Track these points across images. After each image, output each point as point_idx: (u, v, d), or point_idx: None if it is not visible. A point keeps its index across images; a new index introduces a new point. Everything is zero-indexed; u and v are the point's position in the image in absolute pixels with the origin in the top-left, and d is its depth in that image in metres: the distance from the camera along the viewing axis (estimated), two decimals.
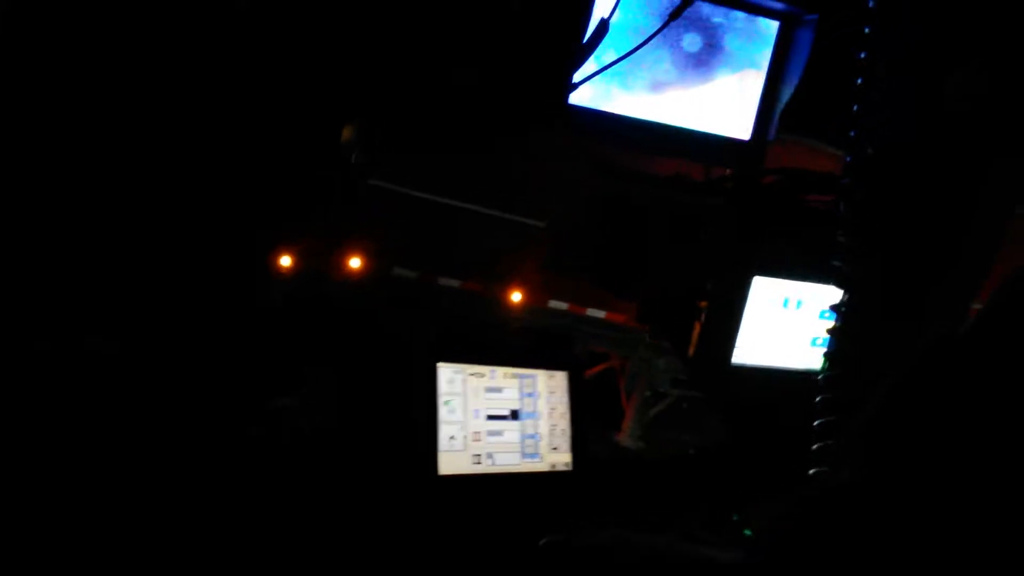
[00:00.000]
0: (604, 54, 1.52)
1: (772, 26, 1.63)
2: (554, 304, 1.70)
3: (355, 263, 1.52)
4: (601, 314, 1.77)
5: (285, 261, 1.45)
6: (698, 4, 1.55)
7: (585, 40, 1.42)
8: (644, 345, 1.78)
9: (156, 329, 1.38)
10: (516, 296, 1.62)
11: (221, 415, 1.34)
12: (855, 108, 1.21)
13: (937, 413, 0.52)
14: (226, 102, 1.41)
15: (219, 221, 1.44)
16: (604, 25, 1.40)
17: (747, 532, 1.56)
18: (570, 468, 1.47)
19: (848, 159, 1.32)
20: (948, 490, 0.47)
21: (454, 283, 1.61)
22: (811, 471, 1.09)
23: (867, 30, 1.18)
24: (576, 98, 1.54)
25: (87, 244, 1.34)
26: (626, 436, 1.75)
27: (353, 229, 1.53)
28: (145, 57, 1.33)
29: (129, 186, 1.36)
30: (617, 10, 1.47)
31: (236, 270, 1.46)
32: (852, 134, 1.23)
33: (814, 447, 1.05)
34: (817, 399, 1.22)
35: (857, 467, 0.56)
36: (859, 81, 1.22)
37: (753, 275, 1.65)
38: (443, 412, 1.34)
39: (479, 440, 1.38)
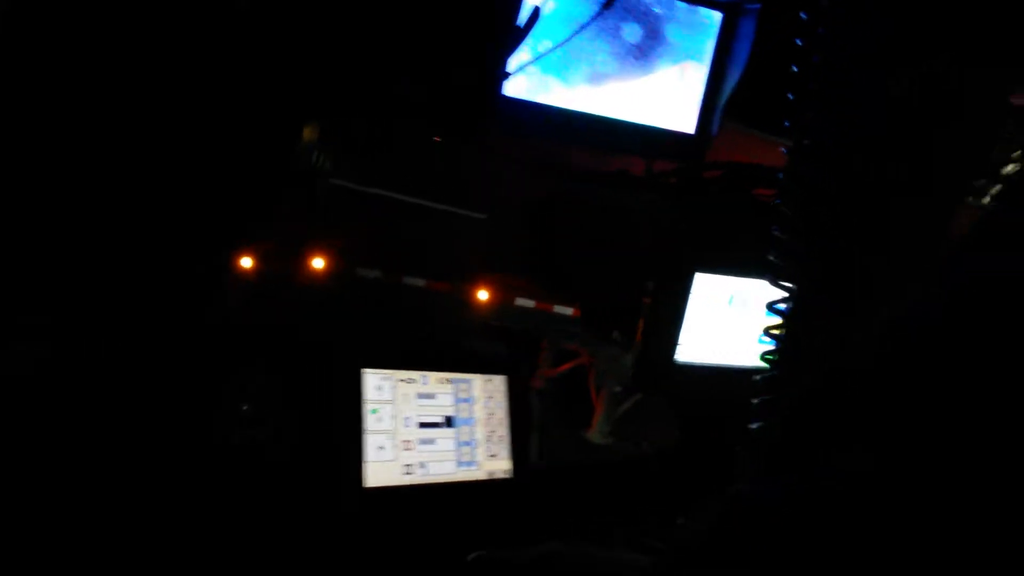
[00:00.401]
0: (541, 44, 1.47)
1: (714, 16, 1.60)
2: (521, 302, 1.65)
3: (318, 264, 1.46)
4: (568, 311, 1.73)
5: (246, 263, 1.38)
6: None
7: (518, 27, 1.38)
8: (612, 342, 1.74)
9: (95, 332, 1.30)
10: (483, 295, 1.57)
11: (156, 424, 1.28)
12: (791, 98, 1.18)
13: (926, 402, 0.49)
14: (183, 99, 1.35)
15: (174, 220, 1.37)
16: (536, 13, 1.35)
17: None
18: (509, 476, 1.42)
19: (784, 151, 1.29)
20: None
21: (419, 282, 1.55)
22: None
23: (803, 16, 1.15)
24: (511, 90, 1.49)
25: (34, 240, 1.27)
26: (596, 432, 1.72)
27: (316, 230, 1.47)
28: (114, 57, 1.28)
29: (78, 180, 1.29)
30: None
31: (191, 271, 1.40)
32: (787, 124, 1.20)
33: (738, 449, 1.02)
34: (753, 401, 1.20)
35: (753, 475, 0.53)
36: (794, 70, 1.19)
37: (695, 271, 1.62)
38: (370, 421, 1.28)
39: (411, 449, 1.32)
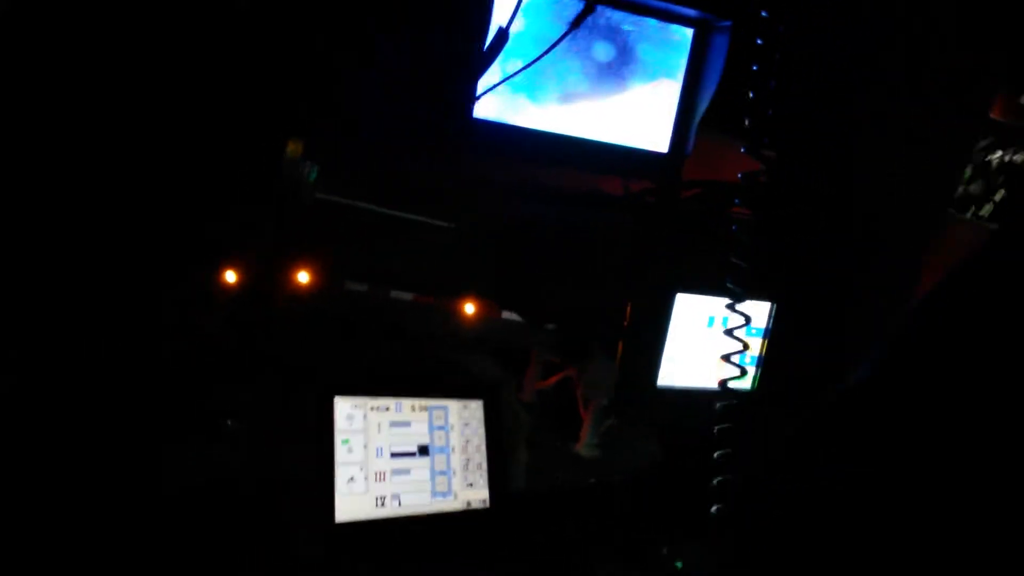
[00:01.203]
0: (510, 63, 1.48)
1: (686, 33, 1.62)
2: (508, 316, 1.65)
3: (303, 278, 1.45)
4: (553, 325, 1.73)
5: (230, 277, 1.38)
6: (608, 12, 1.53)
7: (485, 49, 1.39)
8: (600, 355, 1.74)
9: (65, 356, 1.29)
10: (469, 308, 1.57)
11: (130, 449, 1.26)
12: (747, 120, 1.21)
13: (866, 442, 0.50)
14: (166, 112, 1.35)
15: (156, 233, 1.37)
16: (503, 34, 1.36)
17: (678, 565, 1.52)
18: (487, 505, 1.40)
19: (740, 176, 1.32)
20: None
21: (406, 296, 1.56)
22: (712, 508, 1.05)
23: (780, 29, 1.17)
24: (481, 111, 1.50)
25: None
26: (583, 446, 1.71)
27: (301, 244, 1.47)
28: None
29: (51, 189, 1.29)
30: (521, 18, 1.44)
31: (173, 285, 1.39)
32: (765, 140, 1.22)
33: (713, 482, 1.02)
34: (714, 428, 1.20)
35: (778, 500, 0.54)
36: (753, 90, 1.21)
37: (675, 293, 1.63)
38: (341, 452, 1.27)
39: (383, 480, 1.31)
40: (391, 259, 1.56)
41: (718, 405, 1.11)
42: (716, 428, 1.06)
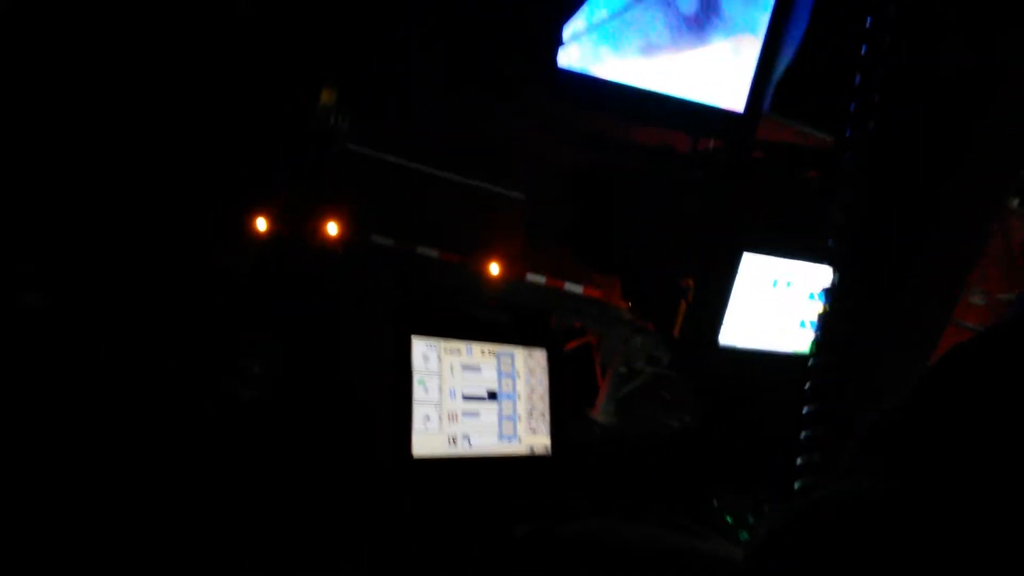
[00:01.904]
0: (596, 13, 1.49)
1: None
2: (532, 278, 1.68)
3: (332, 229, 1.49)
4: (579, 289, 1.76)
5: (260, 225, 1.41)
6: None
7: None
8: (621, 322, 1.77)
9: (102, 286, 1.33)
10: (494, 268, 1.60)
11: (171, 382, 1.30)
12: (857, 80, 1.21)
13: (974, 419, 0.50)
14: (200, 60, 1.37)
15: (189, 177, 1.40)
16: None
17: (728, 519, 1.58)
18: (549, 452, 1.45)
19: (848, 133, 1.32)
20: (996, 504, 0.45)
21: (432, 253, 1.59)
22: (801, 467, 1.09)
23: None
24: (563, 59, 1.51)
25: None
26: (600, 412, 1.75)
27: (330, 194, 1.50)
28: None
29: (86, 142, 1.31)
30: None
31: (202, 230, 1.42)
32: (852, 107, 1.23)
33: (802, 436, 1.05)
34: (807, 386, 1.23)
35: (877, 475, 0.54)
36: (864, 50, 1.21)
37: (742, 252, 1.65)
38: (417, 391, 1.32)
39: (455, 421, 1.36)
40: (418, 214, 1.58)
41: (810, 363, 1.14)
42: (808, 385, 1.09)
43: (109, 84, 1.32)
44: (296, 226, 1.46)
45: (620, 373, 1.78)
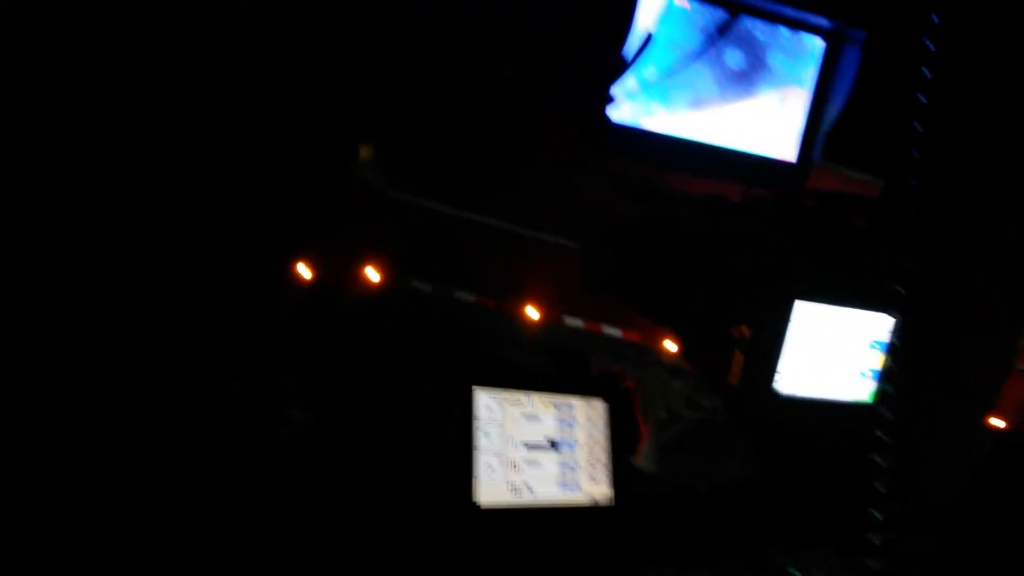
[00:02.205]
0: (647, 70, 1.54)
1: (817, 43, 1.66)
2: (570, 321, 1.69)
3: (373, 276, 1.52)
4: (617, 332, 1.76)
5: (303, 271, 1.45)
6: (741, 19, 1.58)
7: (628, 53, 1.45)
8: (660, 365, 1.76)
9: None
10: (532, 312, 1.61)
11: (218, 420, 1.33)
12: (918, 127, 1.23)
13: None
14: (248, 112, 1.43)
15: (233, 224, 1.45)
16: (649, 39, 1.42)
17: (792, 572, 1.55)
18: (611, 503, 1.45)
19: (913, 183, 1.33)
20: None
21: (469, 297, 1.61)
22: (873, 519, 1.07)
23: (931, 47, 1.20)
24: (615, 114, 1.56)
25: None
26: (643, 458, 1.73)
27: (371, 241, 1.54)
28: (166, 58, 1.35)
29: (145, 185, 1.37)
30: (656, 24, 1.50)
31: (247, 273, 1.47)
32: (914, 154, 1.25)
33: (870, 487, 1.04)
34: (875, 435, 1.22)
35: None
36: (921, 99, 1.24)
37: (794, 300, 1.65)
38: (481, 439, 1.33)
39: (517, 469, 1.36)
40: (456, 259, 1.60)
41: (873, 411, 1.13)
42: (877, 435, 1.09)
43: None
44: (338, 273, 1.50)
45: (661, 418, 1.76)
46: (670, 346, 1.75)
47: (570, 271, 1.70)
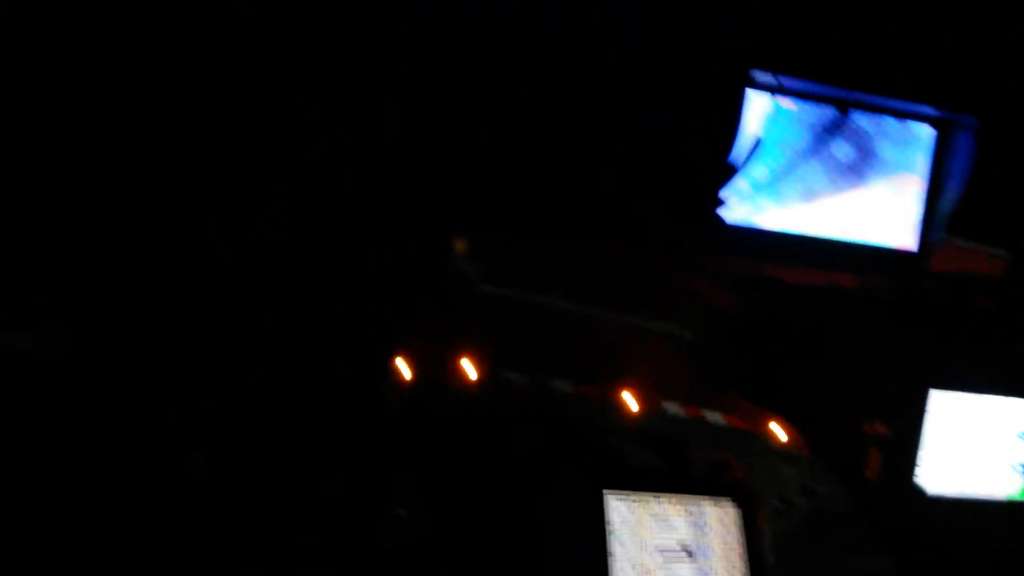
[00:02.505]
0: (755, 170, 1.58)
1: (926, 129, 1.66)
2: (668, 407, 1.64)
3: (470, 370, 1.53)
4: (719, 418, 1.71)
5: (403, 369, 1.48)
6: (849, 114, 1.61)
7: (737, 159, 1.49)
8: (770, 451, 1.70)
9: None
10: (630, 400, 1.58)
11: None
12: None
13: None
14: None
15: (330, 322, 1.50)
16: (758, 143, 1.46)
17: None
18: None
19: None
20: None
21: (567, 387, 1.60)
22: None
23: None
24: (728, 215, 1.59)
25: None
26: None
27: (466, 335, 1.56)
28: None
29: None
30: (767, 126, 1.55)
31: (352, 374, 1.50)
32: None
33: None
34: None
35: None
36: None
37: (929, 390, 1.60)
38: (615, 546, 1.33)
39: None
40: (552, 349, 1.59)
41: None
42: None
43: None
44: (435, 369, 1.51)
45: (775, 508, 1.69)
46: (779, 432, 1.70)
47: (677, 361, 1.69)
